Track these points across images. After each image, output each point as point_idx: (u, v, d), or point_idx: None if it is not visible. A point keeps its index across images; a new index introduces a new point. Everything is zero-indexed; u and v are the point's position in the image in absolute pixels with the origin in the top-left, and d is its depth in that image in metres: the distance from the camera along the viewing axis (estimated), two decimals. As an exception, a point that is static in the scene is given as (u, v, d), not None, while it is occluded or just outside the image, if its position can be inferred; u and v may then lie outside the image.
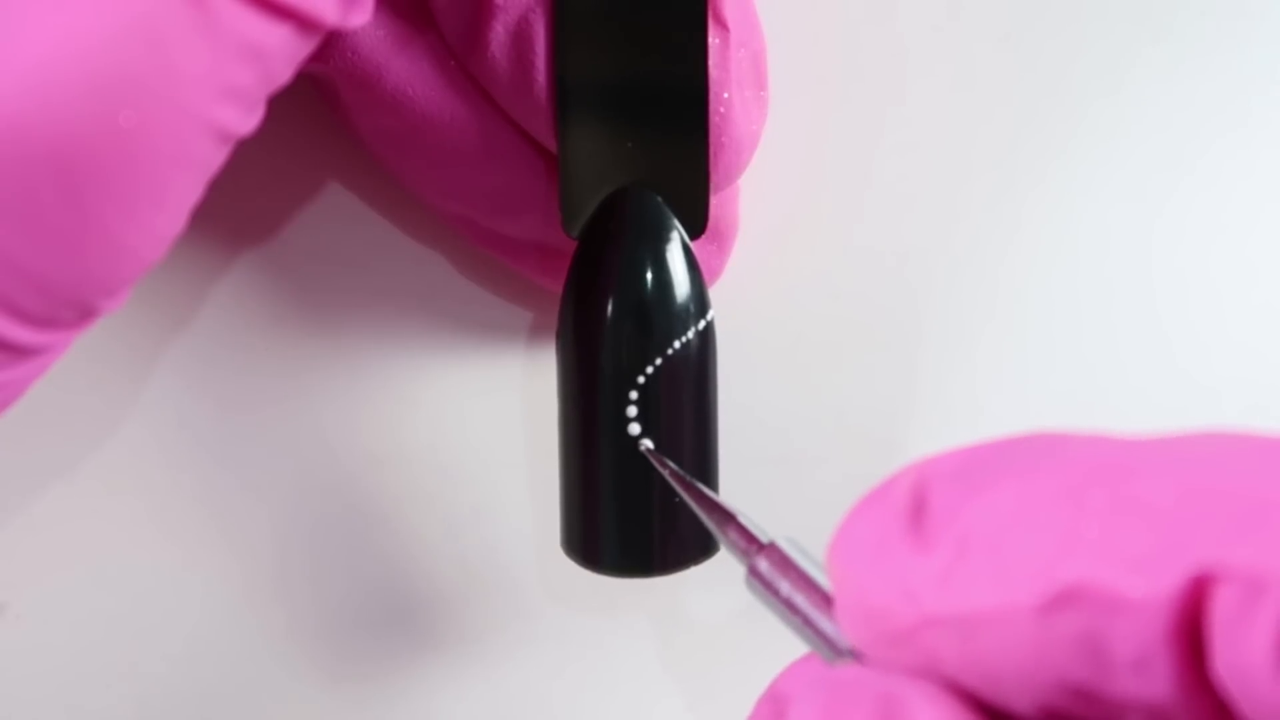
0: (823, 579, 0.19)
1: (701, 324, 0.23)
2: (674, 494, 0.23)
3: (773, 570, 0.19)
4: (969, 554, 0.15)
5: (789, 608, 0.19)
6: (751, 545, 0.20)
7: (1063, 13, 0.26)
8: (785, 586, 0.19)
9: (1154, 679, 0.14)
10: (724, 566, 0.22)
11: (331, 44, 0.22)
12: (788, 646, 0.21)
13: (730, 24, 0.23)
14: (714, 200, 0.23)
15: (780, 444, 0.27)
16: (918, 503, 0.16)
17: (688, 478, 0.23)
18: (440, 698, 0.27)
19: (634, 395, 0.23)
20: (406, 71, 0.23)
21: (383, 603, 0.27)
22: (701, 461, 0.24)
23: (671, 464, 0.23)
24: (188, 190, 0.18)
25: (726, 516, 0.21)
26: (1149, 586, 0.14)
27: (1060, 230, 0.27)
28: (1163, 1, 0.26)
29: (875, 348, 0.27)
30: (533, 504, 0.27)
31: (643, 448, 0.23)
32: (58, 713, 0.27)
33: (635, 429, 0.23)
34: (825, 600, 0.19)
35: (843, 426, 0.27)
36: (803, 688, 0.17)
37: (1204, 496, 0.14)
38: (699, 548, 0.23)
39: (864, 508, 0.17)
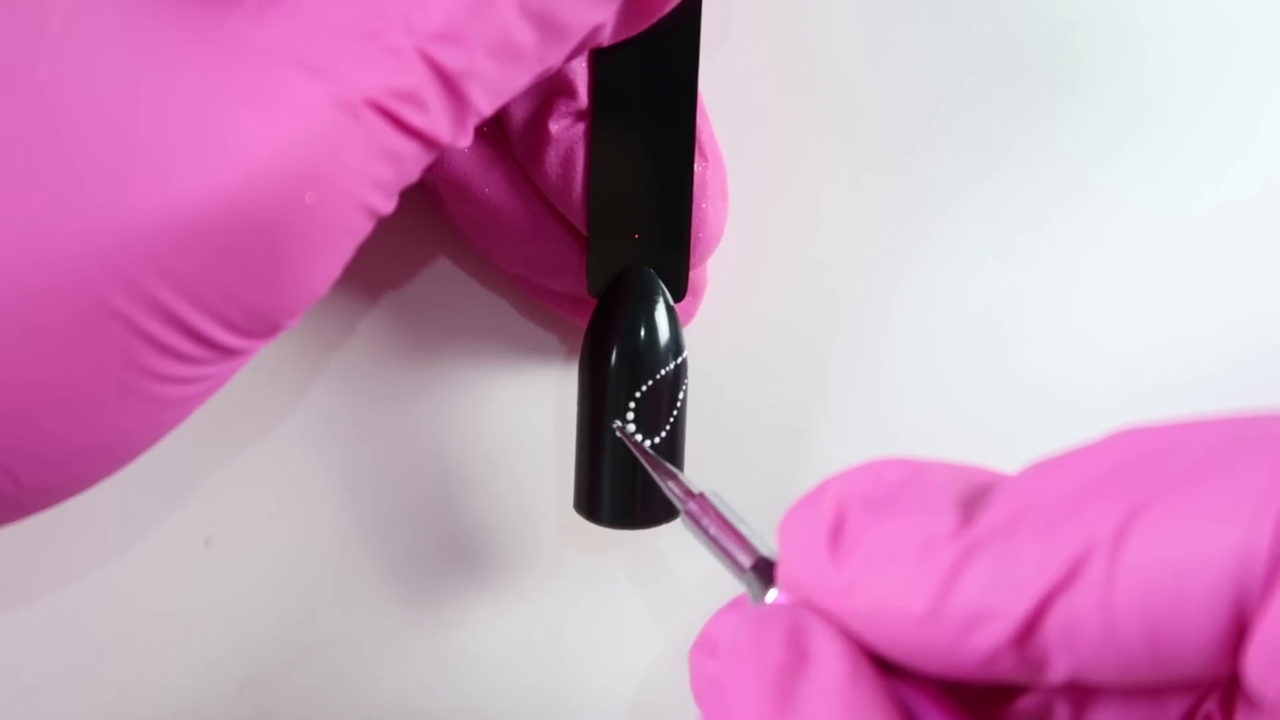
0: (739, 522, 0.20)
1: (679, 359, 0.24)
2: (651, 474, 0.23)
3: (700, 513, 0.20)
4: (870, 572, 0.16)
5: (713, 541, 0.20)
6: (686, 495, 0.21)
7: (953, 110, 0.27)
8: (710, 526, 0.20)
9: (1001, 672, 0.16)
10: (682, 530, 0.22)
11: (438, 159, 0.23)
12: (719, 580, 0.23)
13: (709, 156, 0.25)
14: (691, 272, 0.25)
15: (730, 431, 0.28)
16: (838, 522, 0.17)
17: (644, 448, 0.23)
18: (485, 612, 0.29)
19: (633, 405, 0.24)
20: (487, 178, 0.24)
21: (451, 542, 0.28)
22: (673, 443, 0.25)
23: (636, 440, 0.23)
24: (347, 249, 0.19)
25: (669, 474, 0.22)
26: (995, 617, 0.15)
27: (948, 292, 0.28)
28: (1046, 77, 0.27)
29: (798, 368, 0.28)
30: (556, 476, 0.29)
31: (615, 426, 0.23)
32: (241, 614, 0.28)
33: (632, 428, 0.24)
34: (738, 537, 0.19)
35: (775, 419, 0.28)
36: (731, 624, 0.18)
37: (1047, 527, 0.15)
38: (666, 512, 0.25)
39: (801, 510, 0.17)
